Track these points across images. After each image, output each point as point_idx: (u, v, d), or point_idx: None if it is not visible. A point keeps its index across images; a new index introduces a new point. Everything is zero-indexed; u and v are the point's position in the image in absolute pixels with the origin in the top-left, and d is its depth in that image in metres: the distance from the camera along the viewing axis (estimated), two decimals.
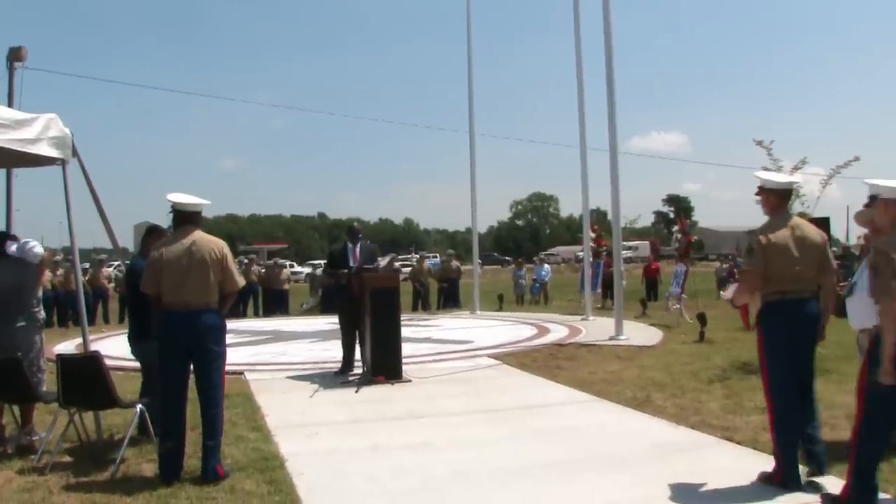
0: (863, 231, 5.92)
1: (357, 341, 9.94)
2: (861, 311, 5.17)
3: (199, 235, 5.52)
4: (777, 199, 5.31)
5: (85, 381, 5.88)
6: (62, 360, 5.98)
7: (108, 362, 6.10)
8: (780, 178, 5.79)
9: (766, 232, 5.15)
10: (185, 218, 5.58)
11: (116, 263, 21.97)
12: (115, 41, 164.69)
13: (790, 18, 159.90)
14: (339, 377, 9.63)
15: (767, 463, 5.33)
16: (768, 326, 5.16)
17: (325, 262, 10.56)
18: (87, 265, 22.78)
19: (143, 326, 6.24)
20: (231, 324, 15.40)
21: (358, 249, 10.13)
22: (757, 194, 5.39)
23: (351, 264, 9.96)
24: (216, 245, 5.52)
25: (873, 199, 4.20)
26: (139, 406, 6.07)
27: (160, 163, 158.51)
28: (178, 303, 5.38)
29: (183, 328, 5.36)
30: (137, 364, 6.82)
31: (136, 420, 6.05)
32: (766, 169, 9.89)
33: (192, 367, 5.48)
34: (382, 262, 10.02)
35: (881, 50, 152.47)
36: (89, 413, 6.45)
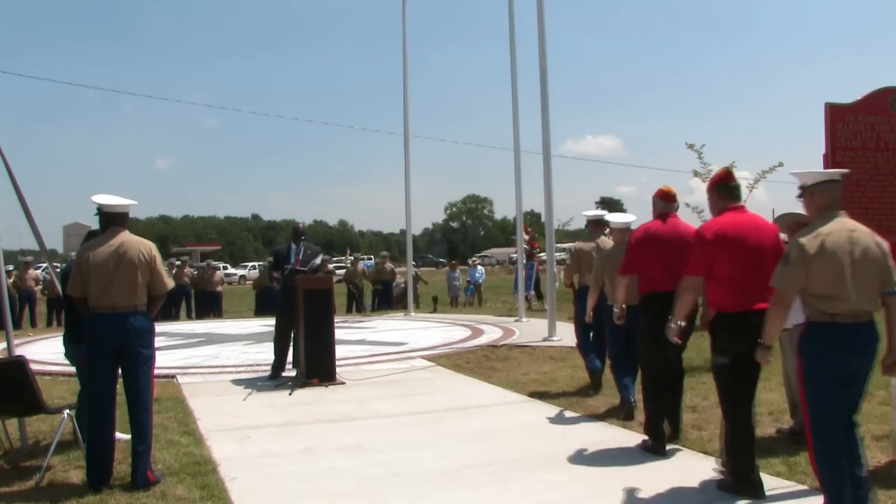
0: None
1: (290, 344, 9.89)
2: None
3: (126, 237, 5.43)
4: (593, 226, 8.66)
5: (9, 386, 5.72)
6: None
7: (34, 367, 5.96)
8: (591, 212, 8.95)
9: (580, 244, 8.77)
10: (112, 219, 5.48)
11: (44, 265, 21.37)
12: (42, 37, 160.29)
13: (721, 27, 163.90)
14: (272, 381, 9.53)
15: (697, 458, 5.49)
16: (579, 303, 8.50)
17: (269, 261, 10.31)
18: (10, 267, 22.16)
19: (79, 329, 6.08)
20: (163, 326, 15.17)
21: (301, 250, 10.00)
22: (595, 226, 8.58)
23: (293, 265, 9.85)
24: (144, 247, 5.43)
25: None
26: (66, 412, 5.94)
27: (91, 162, 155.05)
28: (105, 305, 5.28)
29: (110, 330, 5.27)
30: (64, 368, 6.67)
31: (62, 426, 5.92)
32: (696, 173, 10.20)
33: (120, 370, 5.39)
34: (316, 261, 9.93)
35: (809, 59, 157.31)
36: (13, 420, 6.28)
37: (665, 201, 6.19)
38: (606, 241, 8.18)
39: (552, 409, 7.57)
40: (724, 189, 5.16)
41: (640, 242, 6.05)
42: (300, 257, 9.92)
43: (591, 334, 8.43)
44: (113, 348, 5.30)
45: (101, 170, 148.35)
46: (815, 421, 4.14)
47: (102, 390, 5.36)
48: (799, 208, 6.39)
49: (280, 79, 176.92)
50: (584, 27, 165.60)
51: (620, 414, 7.03)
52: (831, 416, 4.10)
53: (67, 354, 6.50)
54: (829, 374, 4.08)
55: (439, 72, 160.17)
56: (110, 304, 5.29)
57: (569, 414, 7.37)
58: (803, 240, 4.16)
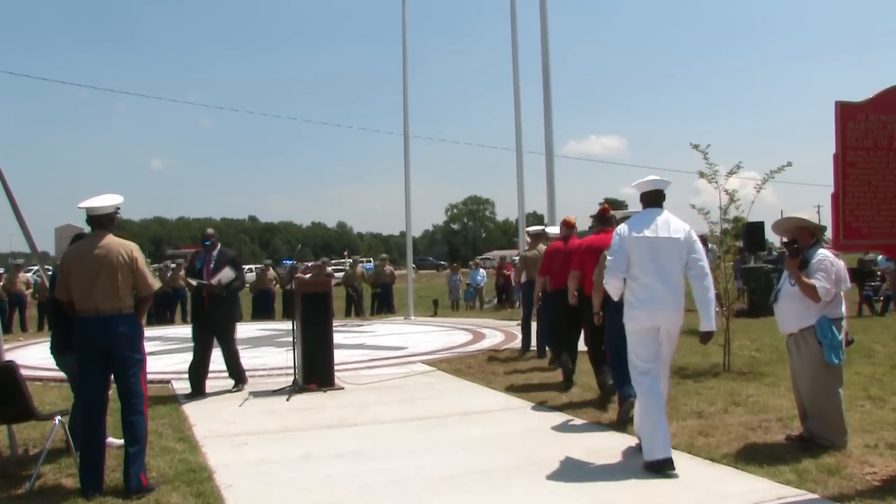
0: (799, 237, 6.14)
1: (208, 357, 9.27)
2: (788, 316, 5.81)
3: (109, 240, 5.35)
4: (533, 238, 11.66)
5: None
6: None
7: (24, 372, 5.84)
8: (532, 228, 12.09)
9: (525, 252, 11.53)
10: (96, 222, 5.44)
11: (35, 268, 21.21)
12: (40, 37, 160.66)
13: (722, 26, 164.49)
14: (189, 399, 8.74)
15: (703, 466, 5.37)
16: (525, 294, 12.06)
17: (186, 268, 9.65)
18: (1, 270, 22.01)
19: (67, 338, 5.88)
20: (158, 330, 15.05)
21: (212, 260, 9.22)
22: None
23: (203, 273, 9.17)
24: (125, 248, 5.34)
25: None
26: (58, 418, 5.82)
27: (85, 163, 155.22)
28: (90, 308, 5.21)
29: (95, 334, 5.20)
30: (55, 374, 6.55)
31: (53, 432, 5.79)
32: (701, 174, 10.02)
33: (112, 375, 5.30)
34: (221, 276, 9.05)
35: (812, 58, 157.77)
36: (3, 427, 6.15)
37: (567, 228, 9.38)
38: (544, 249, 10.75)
39: (555, 416, 7.46)
40: (601, 219, 7.95)
41: (549, 255, 9.56)
42: (210, 267, 9.17)
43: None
44: (100, 352, 5.22)
45: (95, 171, 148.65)
46: (612, 348, 6.91)
47: (93, 394, 5.29)
48: (798, 213, 6.36)
49: (279, 79, 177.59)
50: (586, 27, 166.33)
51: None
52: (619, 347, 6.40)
53: (58, 364, 6.37)
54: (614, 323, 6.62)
55: (439, 72, 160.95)
56: (94, 308, 5.22)
57: (572, 420, 7.25)
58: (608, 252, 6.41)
